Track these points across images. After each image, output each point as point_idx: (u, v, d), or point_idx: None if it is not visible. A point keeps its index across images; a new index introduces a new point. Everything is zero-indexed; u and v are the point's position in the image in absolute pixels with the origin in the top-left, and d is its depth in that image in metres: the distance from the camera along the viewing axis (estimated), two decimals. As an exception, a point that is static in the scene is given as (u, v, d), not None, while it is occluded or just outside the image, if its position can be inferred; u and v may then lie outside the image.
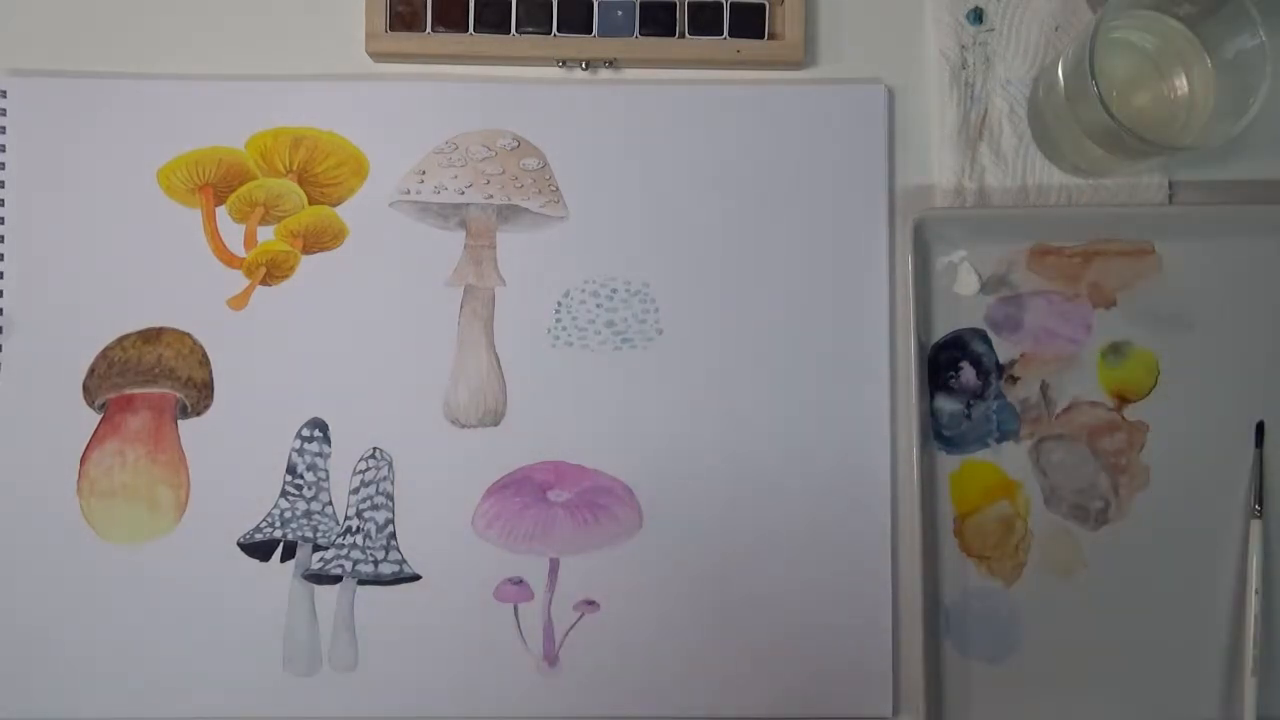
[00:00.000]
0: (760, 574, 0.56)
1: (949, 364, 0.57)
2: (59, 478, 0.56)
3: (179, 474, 0.56)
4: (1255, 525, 0.56)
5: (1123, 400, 0.57)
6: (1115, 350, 0.57)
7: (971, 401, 0.57)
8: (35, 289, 0.57)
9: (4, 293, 0.57)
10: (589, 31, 0.57)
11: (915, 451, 0.55)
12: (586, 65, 0.58)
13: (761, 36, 0.57)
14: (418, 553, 0.56)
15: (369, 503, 0.56)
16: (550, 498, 0.56)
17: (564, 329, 0.57)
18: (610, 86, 0.58)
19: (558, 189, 0.57)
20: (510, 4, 0.57)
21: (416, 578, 0.56)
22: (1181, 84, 0.54)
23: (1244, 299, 0.57)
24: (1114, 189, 0.58)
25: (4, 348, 0.56)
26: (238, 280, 0.57)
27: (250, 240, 0.57)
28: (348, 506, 0.56)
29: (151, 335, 0.57)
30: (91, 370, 0.56)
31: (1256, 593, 0.55)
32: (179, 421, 0.57)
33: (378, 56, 0.58)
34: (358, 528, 0.56)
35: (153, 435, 0.56)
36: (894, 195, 0.58)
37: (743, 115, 0.58)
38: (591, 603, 0.56)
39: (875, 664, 0.56)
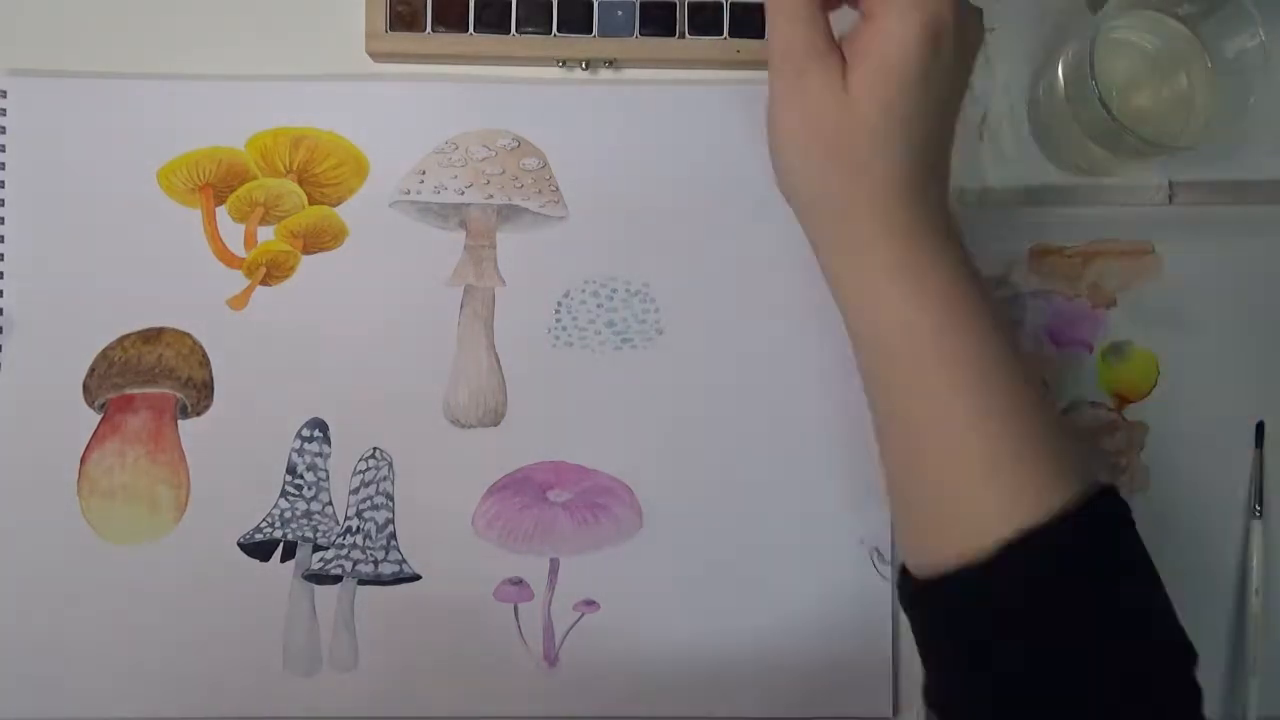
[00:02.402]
0: (760, 574, 0.56)
1: (949, 364, 0.57)
2: (59, 478, 0.56)
3: (179, 474, 0.56)
4: (1255, 525, 0.56)
5: (1123, 400, 0.57)
6: (1115, 350, 0.57)
7: (971, 401, 0.57)
8: (35, 289, 0.57)
9: (4, 293, 0.57)
10: (589, 31, 0.57)
11: (915, 451, 0.55)
12: (586, 65, 0.58)
13: (761, 36, 0.57)
14: (418, 553, 0.56)
15: (369, 503, 0.56)
16: (550, 498, 0.56)
17: (564, 329, 0.57)
18: (610, 86, 0.58)
19: (558, 189, 0.57)
20: (510, 4, 0.57)
21: (416, 578, 0.56)
22: (1181, 84, 0.54)
23: (1244, 299, 0.57)
24: (1114, 189, 0.58)
25: (4, 348, 0.56)
26: (238, 280, 0.57)
27: (250, 240, 0.57)
28: (348, 506, 0.56)
29: (151, 335, 0.57)
30: (91, 370, 0.56)
31: (1256, 593, 0.55)
32: (179, 421, 0.57)
33: (378, 56, 0.58)
34: (358, 528, 0.56)
35: (153, 435, 0.56)
36: (894, 195, 0.58)
37: (743, 115, 0.58)
38: (591, 603, 0.56)
39: (875, 664, 0.56)
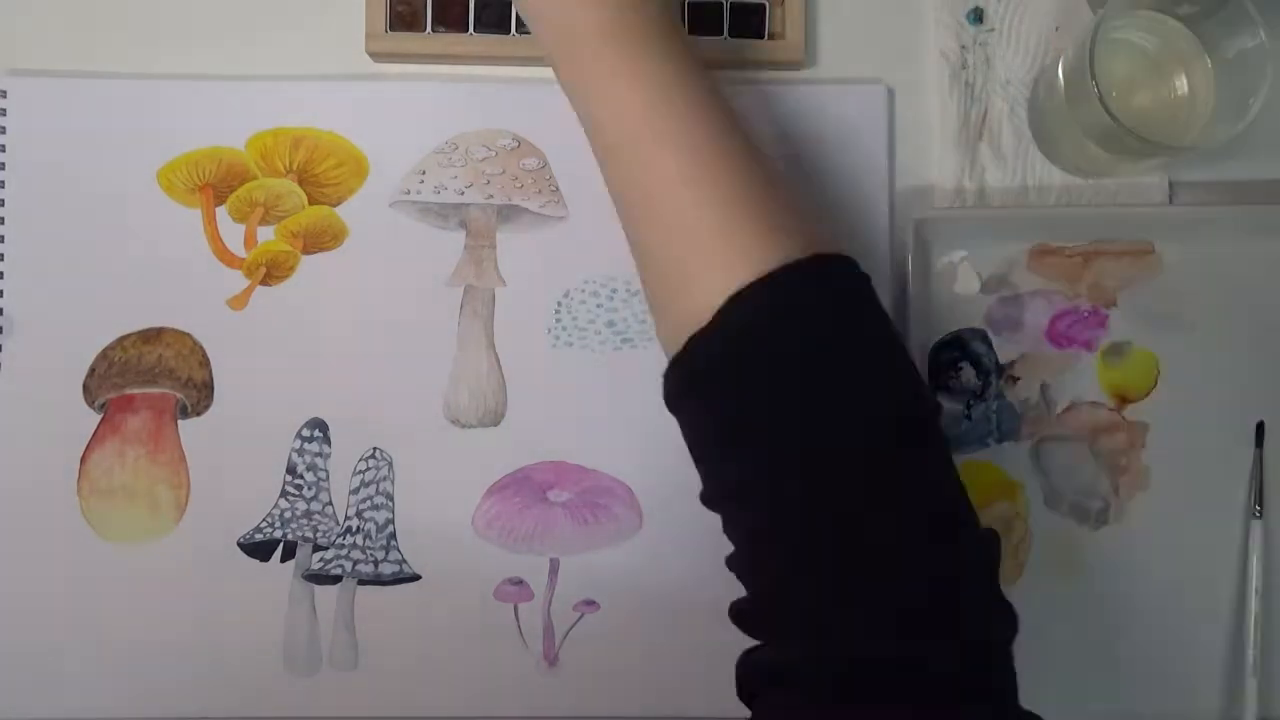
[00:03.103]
0: (760, 574, 0.56)
1: (949, 364, 0.57)
2: (59, 478, 0.56)
3: (179, 474, 0.56)
4: (1255, 525, 0.56)
5: (1123, 400, 0.57)
6: (1115, 350, 0.57)
7: (971, 401, 0.57)
8: (35, 289, 0.57)
9: (4, 293, 0.57)
10: (589, 31, 0.57)
11: (915, 451, 0.55)
12: (586, 65, 0.58)
13: (761, 36, 0.57)
14: (418, 553, 0.56)
15: (369, 503, 0.56)
16: (550, 498, 0.56)
17: (564, 329, 0.57)
18: (610, 86, 0.58)
19: (558, 189, 0.57)
20: (510, 4, 0.57)
21: (416, 578, 0.56)
22: (1181, 84, 0.54)
23: (1244, 299, 0.57)
24: (1114, 189, 0.58)
25: (4, 348, 0.56)
26: (238, 280, 0.57)
27: (250, 240, 0.57)
28: (348, 506, 0.56)
29: (151, 335, 0.57)
30: (91, 370, 0.56)
31: (1256, 593, 0.55)
32: (179, 421, 0.57)
33: (378, 56, 0.58)
34: (358, 528, 0.56)
35: (153, 435, 0.56)
36: (894, 195, 0.58)
37: (743, 115, 0.57)
38: (591, 603, 0.56)
39: (875, 664, 0.56)
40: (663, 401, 0.45)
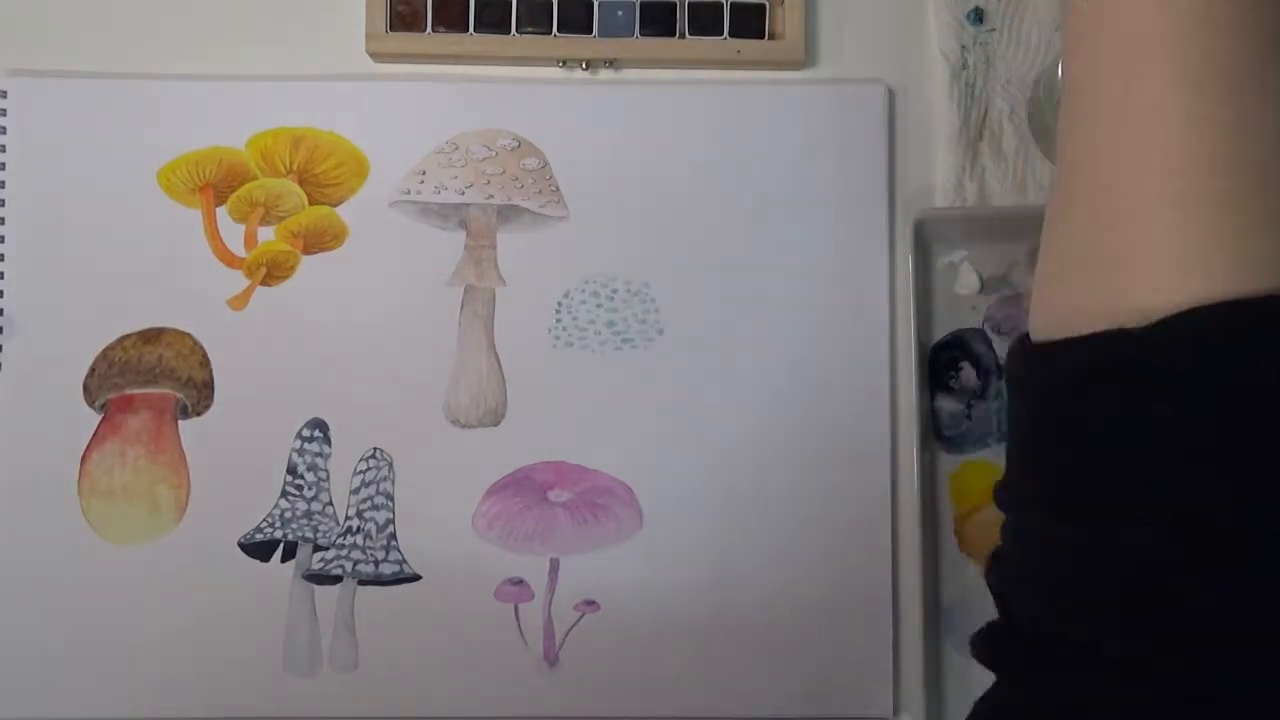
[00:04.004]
0: (760, 574, 0.56)
1: (949, 364, 0.57)
2: (59, 478, 0.56)
3: (179, 474, 0.56)
4: (1255, 525, 0.55)
5: (1123, 400, 0.57)
6: (1115, 350, 0.57)
7: (972, 401, 0.57)
8: (35, 289, 0.57)
9: (4, 293, 0.57)
10: (589, 31, 0.57)
11: (915, 451, 0.55)
12: (586, 65, 0.58)
13: (761, 36, 0.57)
14: (418, 553, 0.56)
15: (369, 503, 0.56)
16: (550, 498, 0.56)
17: (564, 329, 0.57)
18: (610, 86, 0.58)
19: (558, 189, 0.57)
20: (510, 4, 0.57)
21: (417, 578, 0.56)
22: (1181, 84, 0.54)
23: (1244, 299, 0.57)
24: (1114, 189, 0.58)
25: (4, 348, 0.56)
26: (238, 280, 0.57)
27: (250, 240, 0.57)
28: (348, 507, 0.56)
29: (151, 335, 0.57)
30: (91, 370, 0.56)
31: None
32: (179, 421, 0.57)
33: (378, 56, 0.58)
34: (358, 528, 0.56)
35: (153, 435, 0.56)
36: (894, 195, 0.58)
37: (743, 115, 0.58)
38: (591, 603, 0.56)
39: (875, 664, 0.56)
40: (1014, 357, 0.35)
